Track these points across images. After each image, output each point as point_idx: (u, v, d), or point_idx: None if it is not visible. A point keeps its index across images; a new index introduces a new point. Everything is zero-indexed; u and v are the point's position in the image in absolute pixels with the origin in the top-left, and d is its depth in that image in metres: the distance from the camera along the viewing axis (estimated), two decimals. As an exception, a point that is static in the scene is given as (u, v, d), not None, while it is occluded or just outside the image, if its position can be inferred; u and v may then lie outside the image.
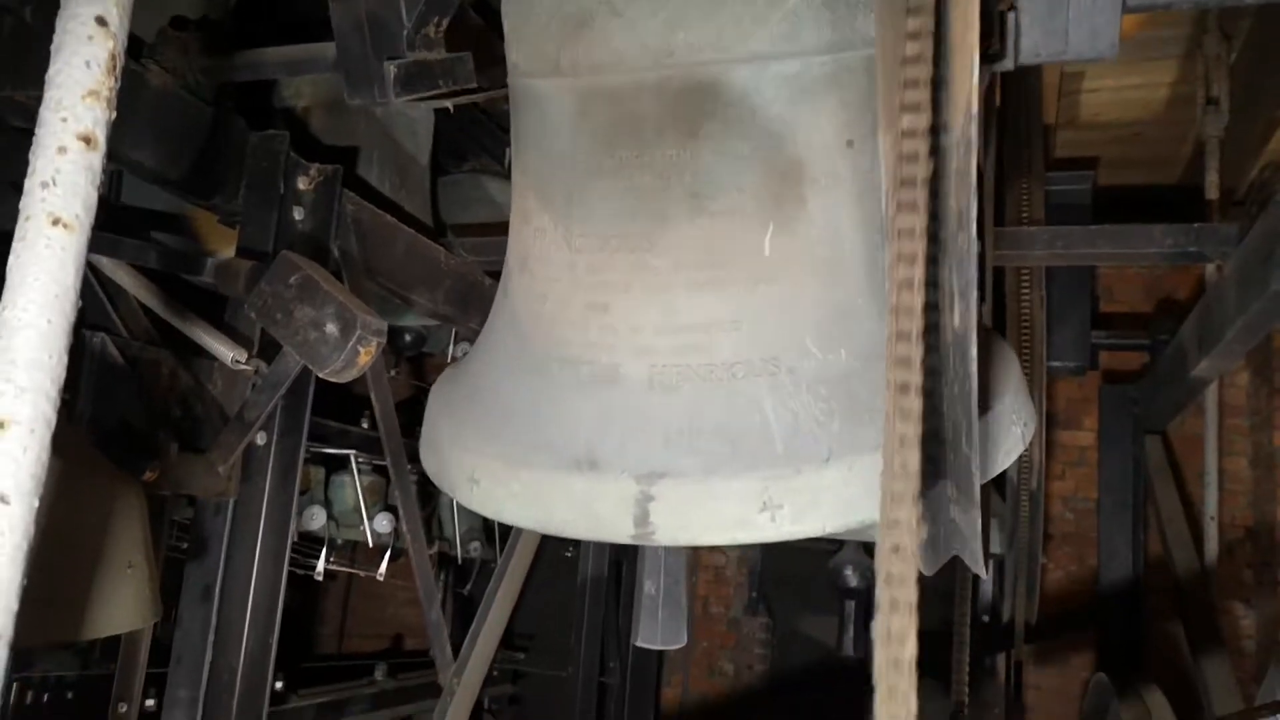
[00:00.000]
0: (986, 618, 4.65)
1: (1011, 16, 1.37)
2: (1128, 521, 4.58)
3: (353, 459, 4.17)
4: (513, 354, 1.36)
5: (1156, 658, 4.81)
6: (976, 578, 4.26)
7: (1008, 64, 1.39)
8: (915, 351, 0.89)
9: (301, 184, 2.36)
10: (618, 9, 1.23)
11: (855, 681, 5.20)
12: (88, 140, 0.75)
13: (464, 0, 1.85)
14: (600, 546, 5.29)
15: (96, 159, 0.76)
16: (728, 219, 1.23)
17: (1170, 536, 4.02)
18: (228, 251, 2.40)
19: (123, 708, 2.21)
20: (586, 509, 1.12)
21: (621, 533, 1.09)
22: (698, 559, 6.52)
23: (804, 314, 1.22)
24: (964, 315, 1.04)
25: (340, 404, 4.08)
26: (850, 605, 4.91)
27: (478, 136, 3.60)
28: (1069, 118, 4.59)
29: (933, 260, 1.04)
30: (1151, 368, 4.55)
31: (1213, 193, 3.62)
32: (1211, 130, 3.73)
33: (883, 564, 0.85)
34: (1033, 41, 1.38)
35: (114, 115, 0.77)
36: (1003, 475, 3.76)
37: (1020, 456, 3.77)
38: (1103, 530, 4.73)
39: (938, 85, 1.01)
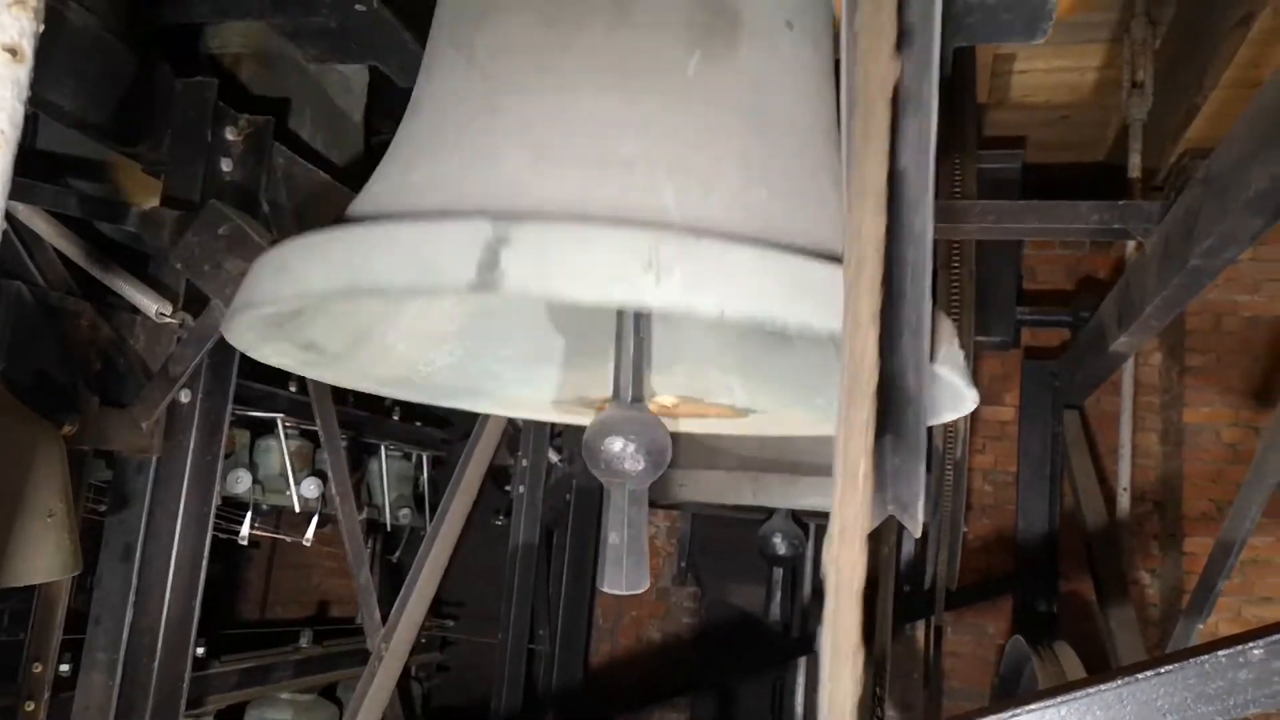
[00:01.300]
0: (908, 586, 4.78)
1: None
2: (1045, 492, 4.74)
3: (280, 423, 4.08)
4: (376, 183, 1.18)
5: (1069, 622, 5.00)
6: (900, 544, 4.36)
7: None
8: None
9: (230, 134, 2.28)
10: None
11: (781, 647, 5.30)
12: (14, 52, 0.71)
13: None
14: (531, 515, 5.27)
15: (23, 72, 0.72)
16: (652, 32, 1.12)
17: (1084, 506, 4.16)
18: (151, 202, 2.32)
19: (37, 668, 2.14)
20: (416, 252, 0.89)
21: (458, 280, 0.86)
22: (628, 529, 6.56)
23: (727, 140, 1.09)
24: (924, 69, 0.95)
25: (267, 366, 3.99)
26: (778, 573, 4.99)
27: (413, 95, 3.53)
28: (1000, 98, 4.69)
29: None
30: (1072, 344, 4.69)
31: (1135, 173, 3.73)
32: (1136, 113, 3.83)
33: (835, 516, 0.84)
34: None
35: (42, 27, 0.74)
36: (929, 444, 3.84)
37: (947, 427, 3.85)
38: (1021, 501, 4.88)
39: None
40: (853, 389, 0.87)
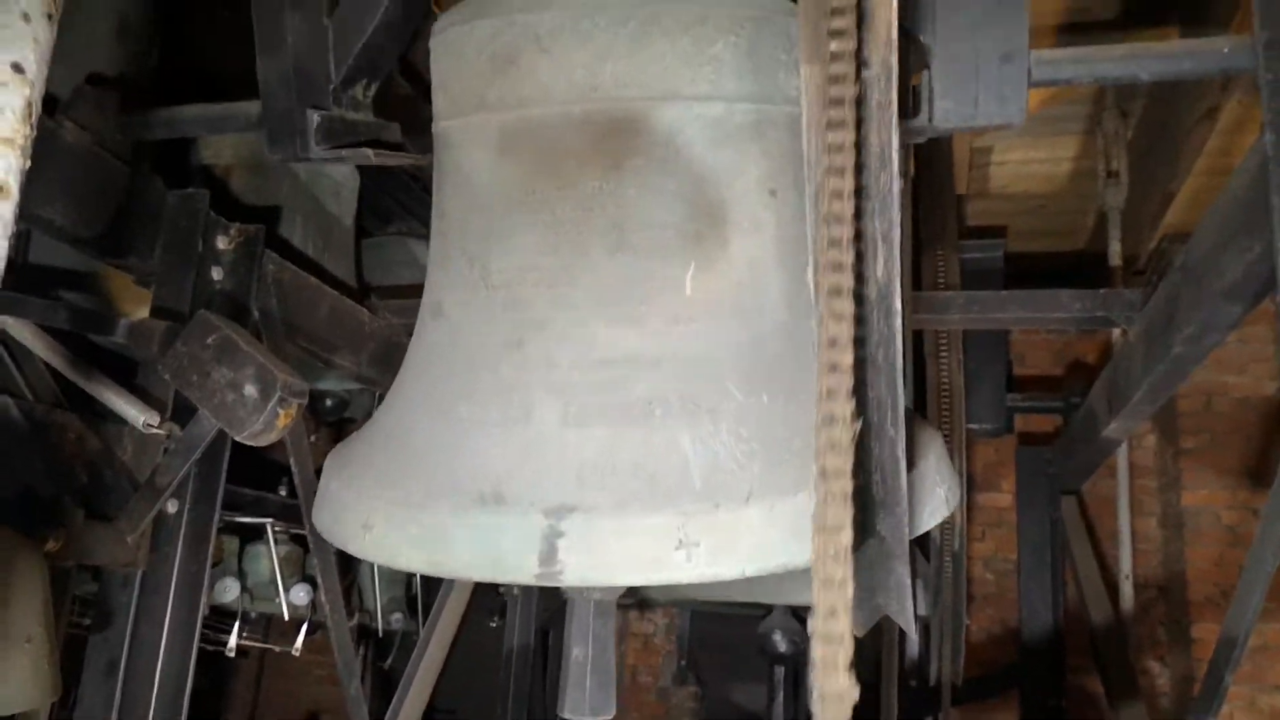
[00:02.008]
0: (913, 682, 4.67)
1: (926, 83, 1.44)
2: (1047, 581, 4.66)
3: (269, 528, 4.03)
4: (419, 401, 1.31)
5: (1078, 713, 4.87)
6: (903, 639, 4.28)
7: (923, 124, 1.45)
8: (845, 357, 0.89)
9: (221, 243, 2.31)
10: (545, 46, 1.24)
11: (785, 749, 5.14)
12: (0, 189, 0.72)
13: (393, 69, 1.86)
14: (526, 616, 5.18)
15: (8, 208, 0.73)
16: (649, 255, 1.22)
17: (1087, 595, 4.10)
18: (141, 313, 2.33)
19: (14, 796, 2.06)
20: (488, 547, 1.06)
21: (525, 572, 1.03)
22: (626, 627, 6.44)
23: (725, 355, 1.21)
24: (888, 262, 1.04)
25: (256, 471, 3.96)
26: (779, 671, 4.87)
27: (403, 199, 3.58)
28: (979, 188, 4.79)
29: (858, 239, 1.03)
30: (1064, 430, 4.68)
31: (1116, 260, 3.79)
32: (1112, 202, 3.92)
33: (819, 626, 0.84)
34: (946, 108, 1.45)
35: (28, 164, 0.75)
36: (925, 537, 3.81)
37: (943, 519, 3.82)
38: (1023, 591, 4.80)
39: (860, 18, 1.01)
40: (828, 503, 0.88)
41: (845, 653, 0.78)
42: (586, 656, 1.18)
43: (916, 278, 3.56)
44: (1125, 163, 3.88)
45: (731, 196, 1.24)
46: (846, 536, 0.81)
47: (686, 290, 1.20)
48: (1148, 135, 4.09)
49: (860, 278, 1.04)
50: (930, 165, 3.84)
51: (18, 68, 0.75)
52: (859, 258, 1.02)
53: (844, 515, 0.80)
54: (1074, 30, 3.44)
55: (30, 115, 0.77)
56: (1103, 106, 3.95)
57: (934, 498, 1.32)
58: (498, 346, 1.23)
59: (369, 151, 1.77)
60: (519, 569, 1.03)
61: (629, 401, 1.15)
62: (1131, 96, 3.97)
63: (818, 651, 0.80)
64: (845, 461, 0.85)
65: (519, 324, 1.22)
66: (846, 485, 0.84)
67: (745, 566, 1.04)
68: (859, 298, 1.01)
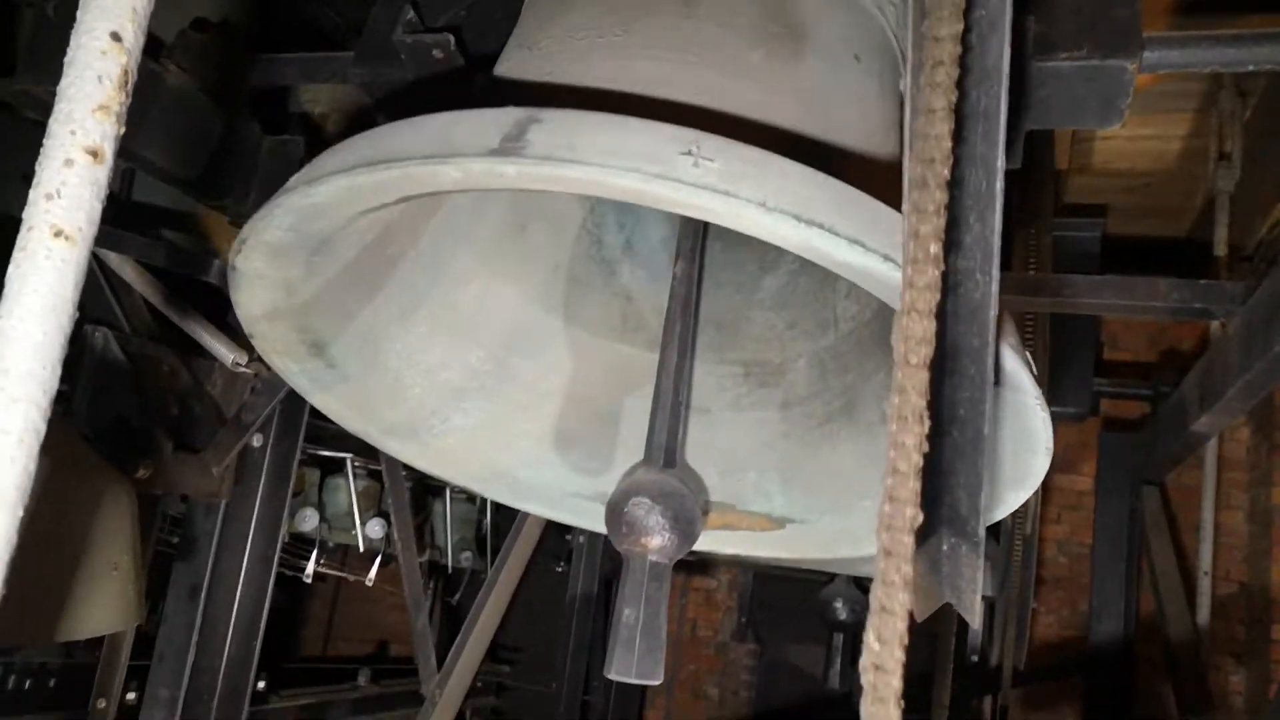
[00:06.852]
0: (975, 658, 4.63)
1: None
2: (1121, 572, 4.55)
3: (349, 463, 4.17)
4: None
5: (1144, 708, 4.78)
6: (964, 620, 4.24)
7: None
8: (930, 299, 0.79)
9: (313, 190, 2.36)
10: None
11: (840, 715, 5.18)
12: (95, 154, 0.75)
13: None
14: (590, 564, 5.27)
15: (103, 173, 0.77)
16: (718, 25, 1.09)
17: (1163, 591, 3.99)
18: (236, 253, 2.41)
19: (102, 703, 2.21)
20: (442, 133, 0.84)
21: (479, 146, 0.80)
22: (688, 582, 6.51)
23: (786, 114, 1.06)
24: (985, 273, 0.87)
25: (339, 408, 4.08)
26: (838, 638, 4.89)
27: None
28: (1081, 164, 4.60)
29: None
30: (1152, 418, 4.53)
31: (1221, 249, 3.62)
32: (1223, 185, 3.73)
33: (877, 594, 0.81)
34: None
35: (123, 130, 0.78)
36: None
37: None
38: (1096, 580, 4.69)
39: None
40: (896, 491, 0.86)
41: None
42: (638, 618, 1.08)
43: (1006, 258, 3.46)
44: (1240, 145, 3.68)
45: (814, 26, 1.15)
46: (903, 622, 0.76)
47: (752, 60, 1.09)
48: (1267, 117, 3.87)
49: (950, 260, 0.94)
50: (1027, 139, 3.70)
51: (116, 36, 0.78)
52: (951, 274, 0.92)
53: (902, 601, 0.74)
54: (1191, 10, 3.26)
55: (126, 83, 0.79)
56: (1220, 85, 3.75)
57: (1009, 491, 1.27)
58: (522, 86, 1.10)
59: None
60: (473, 145, 0.80)
61: (658, 114, 0.94)
62: (1253, 75, 3.76)
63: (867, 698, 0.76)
64: (914, 490, 0.79)
65: (549, 69, 1.09)
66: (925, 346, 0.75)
67: (769, 197, 0.79)
68: (944, 281, 0.92)
